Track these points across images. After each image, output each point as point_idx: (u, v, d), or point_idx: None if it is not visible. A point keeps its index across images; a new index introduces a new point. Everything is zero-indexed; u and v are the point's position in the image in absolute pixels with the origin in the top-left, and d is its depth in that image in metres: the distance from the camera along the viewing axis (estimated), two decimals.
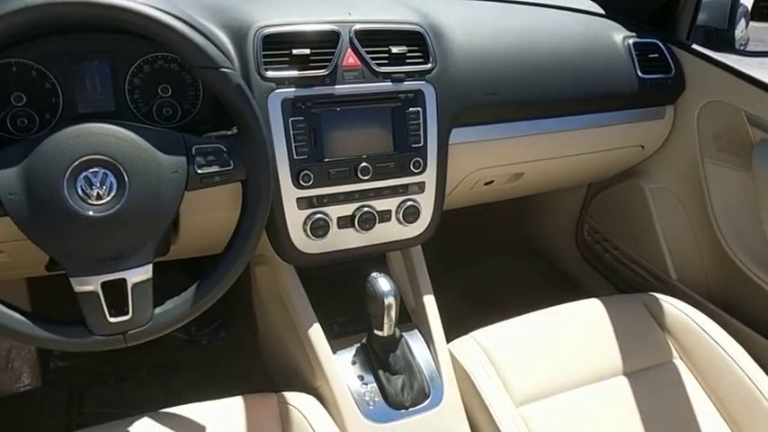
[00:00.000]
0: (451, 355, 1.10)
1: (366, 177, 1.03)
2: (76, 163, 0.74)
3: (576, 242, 1.82)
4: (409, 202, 1.08)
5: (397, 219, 1.08)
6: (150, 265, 0.78)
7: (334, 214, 1.03)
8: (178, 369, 1.63)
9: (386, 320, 0.99)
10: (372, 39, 1.03)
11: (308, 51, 0.97)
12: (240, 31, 0.97)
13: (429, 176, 1.09)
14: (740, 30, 1.42)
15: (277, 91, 0.96)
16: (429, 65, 1.07)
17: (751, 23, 1.42)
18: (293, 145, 0.98)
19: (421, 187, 1.09)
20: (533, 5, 1.37)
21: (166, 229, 0.81)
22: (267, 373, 1.40)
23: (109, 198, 0.75)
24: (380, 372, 1.03)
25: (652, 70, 1.34)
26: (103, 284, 0.76)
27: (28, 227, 0.73)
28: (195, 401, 0.96)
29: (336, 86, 1.00)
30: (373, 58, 1.03)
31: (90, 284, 0.75)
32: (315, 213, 1.02)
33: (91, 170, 0.74)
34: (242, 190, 0.86)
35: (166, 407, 0.94)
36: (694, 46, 1.36)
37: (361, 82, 1.02)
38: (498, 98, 1.15)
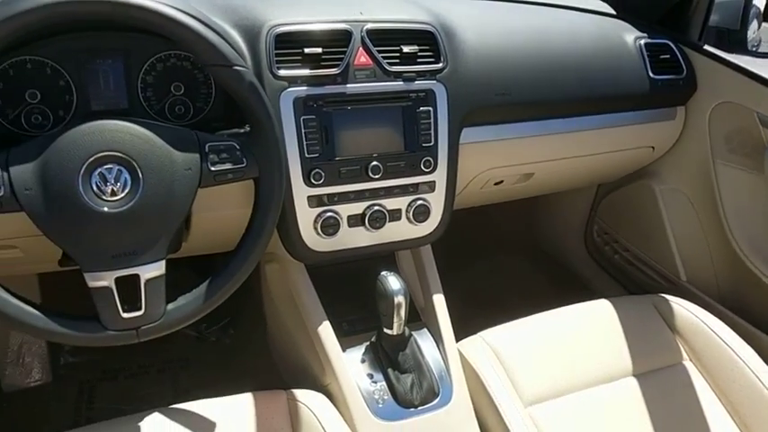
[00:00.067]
0: (460, 355, 1.10)
1: (377, 176, 1.03)
2: (91, 159, 0.74)
3: (586, 243, 1.82)
4: (419, 202, 1.08)
5: (408, 218, 1.09)
6: (163, 262, 0.79)
7: (344, 213, 1.04)
8: (187, 366, 1.64)
9: (395, 319, 0.99)
10: (384, 38, 1.03)
11: (319, 50, 0.98)
12: (253, 30, 0.98)
13: (439, 176, 1.09)
14: (752, 31, 1.42)
15: (289, 89, 0.97)
16: (440, 64, 1.07)
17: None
18: (305, 143, 0.98)
19: (431, 186, 1.09)
20: (544, 6, 1.37)
21: (179, 226, 0.81)
22: (276, 370, 1.41)
23: (123, 194, 0.76)
24: (390, 370, 1.03)
25: (663, 71, 1.33)
26: (117, 280, 0.76)
27: (43, 222, 0.74)
28: (204, 398, 0.96)
29: (348, 85, 1.00)
30: (385, 58, 1.03)
31: (104, 280, 0.76)
32: (325, 212, 1.02)
33: (105, 166, 0.75)
34: (254, 187, 0.86)
35: (176, 403, 0.95)
36: (706, 47, 1.36)
37: (372, 81, 1.02)
38: (509, 98, 1.15)
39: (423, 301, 1.18)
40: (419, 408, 1.02)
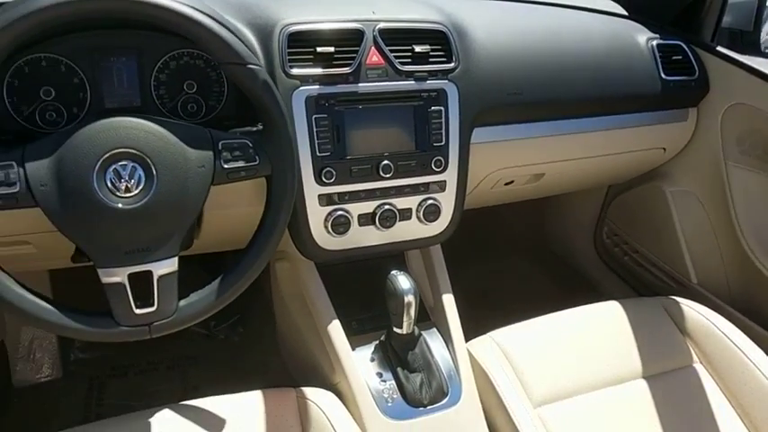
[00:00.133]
0: (470, 355, 1.10)
1: (387, 175, 1.03)
2: (106, 156, 0.75)
3: (595, 244, 1.81)
4: (430, 201, 1.08)
5: (418, 217, 1.09)
6: (176, 258, 0.79)
7: (355, 211, 1.04)
8: (196, 363, 1.65)
9: (405, 318, 1.00)
10: (396, 37, 1.04)
11: (332, 49, 0.98)
12: (266, 29, 0.98)
13: (450, 175, 1.09)
14: (766, 32, 1.41)
15: (301, 88, 0.97)
16: (452, 64, 1.07)
17: None
18: (316, 142, 0.98)
19: (442, 186, 1.09)
20: (556, 6, 1.36)
21: (192, 223, 0.82)
22: (284, 368, 1.41)
23: (137, 191, 0.76)
24: (399, 369, 1.04)
25: (675, 72, 1.33)
26: (130, 276, 0.77)
27: (58, 218, 0.74)
28: (213, 395, 0.97)
29: (360, 84, 1.01)
30: (397, 57, 1.03)
31: (117, 276, 0.76)
32: (336, 210, 1.02)
33: (120, 163, 0.75)
34: (267, 185, 0.86)
35: (185, 400, 0.95)
36: (719, 48, 1.35)
37: (384, 80, 1.02)
38: (521, 98, 1.15)
39: (432, 300, 1.18)
40: (428, 407, 1.02)
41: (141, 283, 0.78)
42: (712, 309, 1.22)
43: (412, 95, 1.04)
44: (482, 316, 1.24)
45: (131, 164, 0.76)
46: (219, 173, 0.81)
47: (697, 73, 1.35)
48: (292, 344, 1.31)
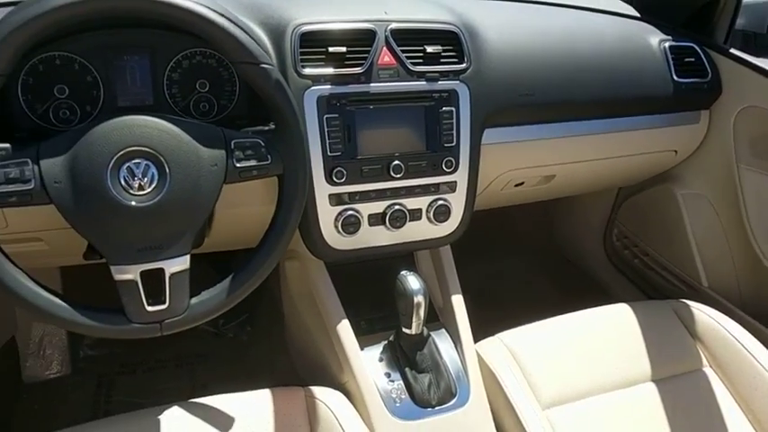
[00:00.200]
0: (478, 356, 1.10)
1: (398, 175, 1.03)
2: (120, 153, 0.75)
3: (605, 246, 1.80)
4: (440, 202, 1.08)
5: (428, 218, 1.09)
6: (188, 256, 0.80)
7: (365, 211, 1.04)
8: (205, 361, 1.66)
9: (414, 319, 1.00)
10: (408, 38, 1.04)
11: (344, 49, 0.98)
12: (278, 29, 0.98)
13: (461, 176, 1.09)
14: None
15: (313, 88, 0.97)
16: (463, 64, 1.07)
17: None
18: (327, 142, 0.99)
19: (452, 187, 1.09)
20: (567, 8, 1.36)
21: (204, 221, 0.82)
22: (292, 367, 1.41)
23: (150, 189, 0.76)
24: (407, 370, 1.04)
25: (688, 74, 1.32)
26: (142, 273, 0.77)
27: (71, 215, 0.75)
28: (221, 393, 0.97)
29: (371, 84, 1.01)
30: (408, 57, 1.03)
31: (129, 273, 0.77)
32: (346, 210, 1.03)
33: (133, 161, 0.76)
34: (278, 184, 0.87)
35: (193, 398, 0.96)
36: (732, 50, 1.34)
37: (395, 80, 1.02)
38: (533, 99, 1.15)
39: (441, 301, 1.18)
40: (436, 408, 1.02)
41: (153, 281, 0.78)
42: (723, 312, 1.21)
43: (423, 96, 1.04)
44: (490, 317, 1.23)
45: (145, 162, 0.76)
46: (232, 172, 0.81)
47: (709, 75, 1.34)
48: (301, 343, 1.31)
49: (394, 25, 1.03)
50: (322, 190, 1.00)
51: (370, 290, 1.16)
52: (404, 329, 1.02)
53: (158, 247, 0.77)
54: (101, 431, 0.91)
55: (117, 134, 0.75)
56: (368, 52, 1.00)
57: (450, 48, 1.07)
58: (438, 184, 1.08)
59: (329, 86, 0.98)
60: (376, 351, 1.08)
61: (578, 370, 1.10)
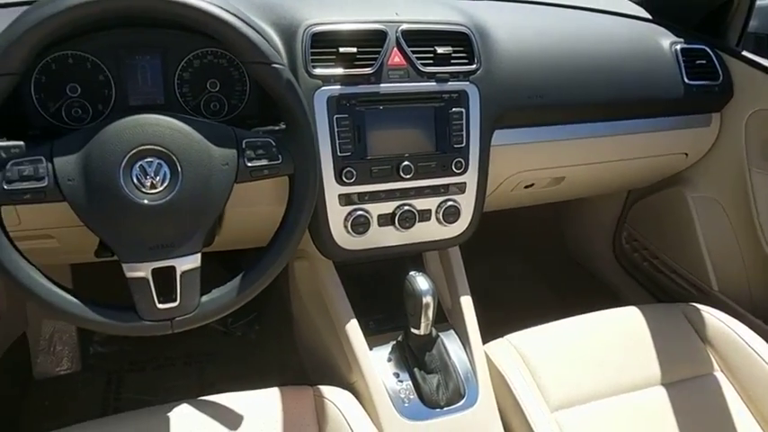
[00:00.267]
0: (487, 357, 1.10)
1: (408, 176, 1.03)
2: (132, 152, 0.76)
3: (614, 249, 1.80)
4: (450, 203, 1.08)
5: (437, 218, 1.09)
6: (199, 254, 0.80)
7: (374, 212, 1.04)
8: (213, 360, 1.67)
9: (423, 319, 1.00)
10: (418, 39, 1.04)
11: (354, 50, 0.99)
12: (289, 29, 0.99)
13: (470, 177, 1.09)
14: None
15: (323, 88, 0.98)
16: (474, 66, 1.07)
17: None
18: (337, 142, 0.99)
19: (462, 188, 1.09)
20: (578, 9, 1.36)
21: (215, 220, 0.83)
22: (300, 366, 1.42)
23: (162, 188, 0.77)
24: (416, 370, 1.04)
25: (699, 77, 1.31)
26: (154, 271, 0.77)
27: (84, 212, 0.75)
28: (229, 392, 0.97)
29: (381, 85, 1.01)
30: (419, 58, 1.03)
31: (141, 271, 0.77)
32: (356, 210, 1.03)
33: (146, 160, 0.76)
34: (289, 184, 0.87)
35: (202, 396, 0.96)
36: (744, 53, 1.33)
37: (405, 81, 1.03)
38: (543, 100, 1.15)
39: (450, 302, 1.17)
40: (444, 408, 1.02)
41: (164, 279, 0.79)
42: (733, 316, 1.20)
43: (433, 97, 1.04)
44: (497, 318, 1.23)
45: (157, 160, 0.77)
46: (243, 171, 0.81)
47: (721, 78, 1.33)
48: (309, 342, 1.32)
49: (405, 26, 1.03)
50: (332, 190, 1.00)
51: (379, 290, 1.16)
52: (412, 330, 1.02)
53: (170, 245, 0.78)
54: (110, 428, 0.91)
55: (129, 133, 0.76)
56: (378, 53, 1.01)
57: (461, 49, 1.07)
58: (447, 185, 1.08)
59: (339, 87, 0.99)
60: (385, 351, 1.08)
61: (587, 373, 1.09)
